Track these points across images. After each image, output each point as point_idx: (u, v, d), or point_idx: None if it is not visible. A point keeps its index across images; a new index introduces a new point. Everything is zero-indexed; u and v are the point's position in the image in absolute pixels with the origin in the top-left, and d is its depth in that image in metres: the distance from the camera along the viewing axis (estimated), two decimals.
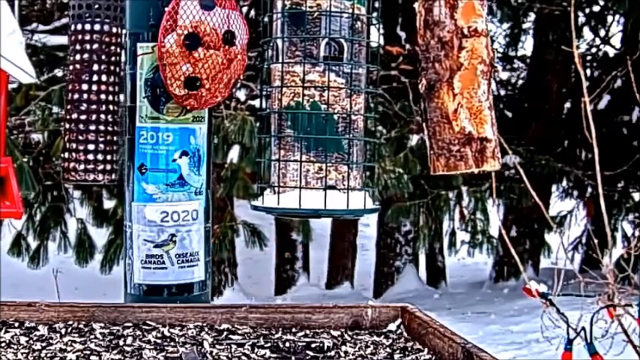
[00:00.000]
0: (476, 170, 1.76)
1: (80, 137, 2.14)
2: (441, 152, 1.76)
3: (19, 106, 6.70)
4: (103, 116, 2.14)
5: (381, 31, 2.08)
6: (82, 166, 2.14)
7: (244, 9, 7.50)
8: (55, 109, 6.65)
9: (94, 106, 2.14)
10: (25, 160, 6.29)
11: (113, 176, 2.17)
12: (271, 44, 1.95)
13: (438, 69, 1.76)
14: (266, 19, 1.95)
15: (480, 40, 1.75)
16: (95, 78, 2.14)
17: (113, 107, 2.16)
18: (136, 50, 2.11)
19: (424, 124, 1.81)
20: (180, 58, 1.97)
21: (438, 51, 1.76)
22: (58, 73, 7.67)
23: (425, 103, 1.79)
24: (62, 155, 2.18)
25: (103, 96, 2.15)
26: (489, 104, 1.77)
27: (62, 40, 7.65)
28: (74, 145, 2.14)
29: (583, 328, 2.99)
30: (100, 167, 2.15)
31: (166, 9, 1.99)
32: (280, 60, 1.91)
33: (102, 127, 2.14)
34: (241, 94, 7.52)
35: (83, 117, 2.14)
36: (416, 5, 1.79)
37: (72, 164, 2.14)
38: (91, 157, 2.14)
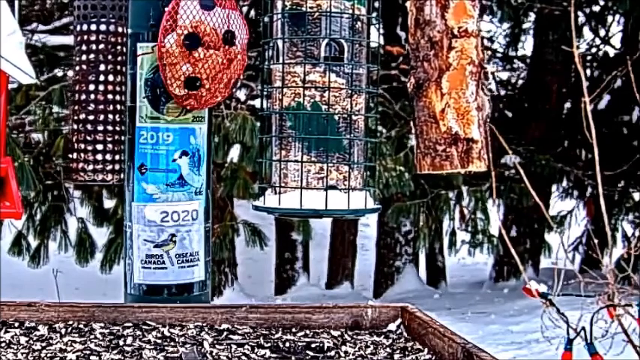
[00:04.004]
0: (462, 171, 1.76)
1: (88, 137, 2.14)
2: (427, 151, 1.77)
3: (19, 105, 6.70)
4: (110, 116, 2.14)
5: (382, 31, 2.08)
6: (90, 167, 2.14)
7: (244, 9, 7.50)
8: (56, 109, 6.65)
9: (101, 106, 2.14)
10: (26, 159, 6.29)
11: (122, 176, 2.17)
12: (272, 44, 1.95)
13: (427, 68, 1.76)
14: (266, 19, 1.95)
15: (469, 41, 1.75)
16: (102, 78, 2.14)
17: (120, 107, 2.16)
18: (136, 50, 2.11)
19: (412, 123, 1.82)
20: (180, 58, 1.97)
21: (427, 50, 1.76)
22: (58, 72, 7.68)
23: (413, 102, 1.80)
24: (69, 156, 2.18)
25: (110, 96, 2.15)
26: (477, 105, 1.77)
27: (62, 40, 7.65)
28: (82, 146, 2.14)
29: (583, 328, 2.99)
30: (109, 167, 2.15)
31: (166, 9, 1.99)
32: (281, 60, 1.91)
33: (110, 127, 2.14)
34: (241, 94, 7.52)
35: (91, 117, 2.14)
36: (408, 4, 1.79)
37: (80, 164, 2.14)
38: (99, 157, 2.14)
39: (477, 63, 1.76)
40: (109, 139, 2.14)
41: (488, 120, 1.84)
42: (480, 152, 1.77)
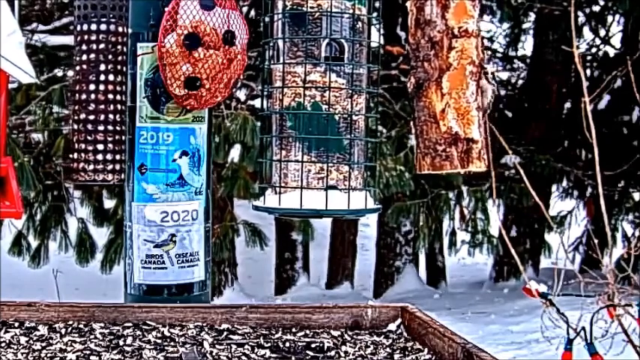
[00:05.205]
0: (461, 171, 1.76)
1: (89, 137, 2.14)
2: (427, 151, 1.77)
3: (19, 105, 6.70)
4: (111, 116, 2.15)
5: (382, 31, 2.08)
6: (91, 167, 2.14)
7: (244, 9, 7.50)
8: (56, 109, 6.65)
9: (101, 106, 2.14)
10: (26, 159, 6.29)
11: (122, 176, 2.17)
12: (272, 44, 1.95)
13: (427, 68, 1.76)
14: (267, 19, 1.95)
15: (470, 41, 1.75)
16: (102, 78, 2.15)
17: (121, 107, 2.16)
18: (136, 50, 2.11)
19: (412, 123, 1.82)
20: (180, 58, 1.97)
21: (427, 50, 1.76)
22: (59, 72, 7.68)
23: (413, 102, 1.80)
24: (70, 156, 2.18)
25: (110, 95, 2.15)
26: (477, 105, 1.77)
27: (62, 39, 7.65)
28: (83, 146, 2.15)
29: (583, 328, 2.99)
30: (110, 167, 2.15)
31: (166, 9, 1.99)
32: (281, 60, 1.91)
33: (110, 127, 2.15)
34: (241, 94, 7.52)
35: (91, 117, 2.14)
36: (408, 4, 1.79)
37: (81, 164, 2.15)
38: (100, 157, 2.15)
39: (477, 63, 1.77)
40: (110, 138, 2.15)
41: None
42: (479, 152, 1.77)
